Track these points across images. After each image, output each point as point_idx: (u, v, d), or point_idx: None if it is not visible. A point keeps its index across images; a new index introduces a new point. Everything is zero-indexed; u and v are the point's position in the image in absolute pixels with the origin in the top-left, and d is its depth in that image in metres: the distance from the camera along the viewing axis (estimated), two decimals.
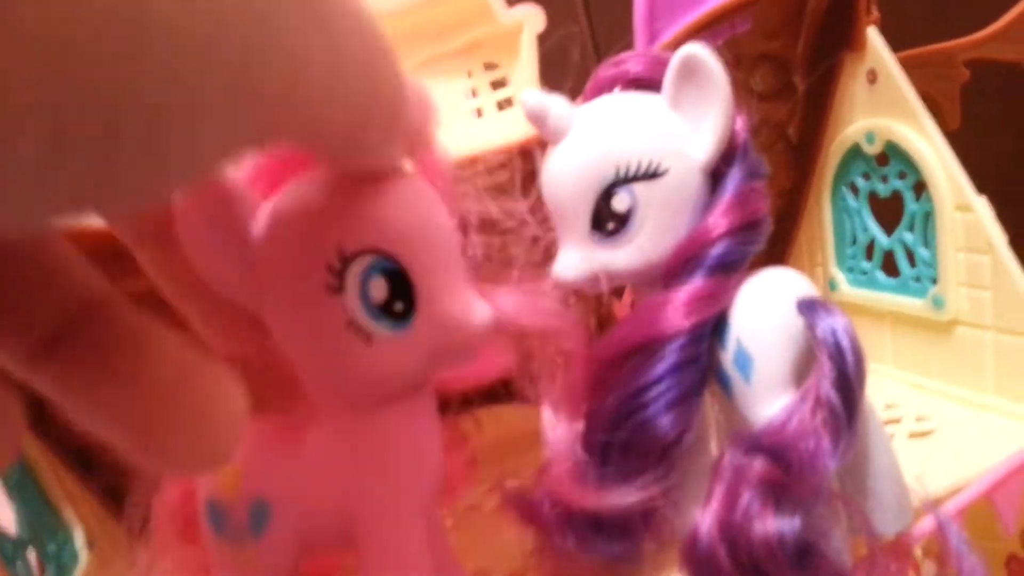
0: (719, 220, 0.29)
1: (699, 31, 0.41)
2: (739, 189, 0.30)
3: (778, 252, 0.52)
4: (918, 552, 0.33)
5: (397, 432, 0.26)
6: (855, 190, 0.46)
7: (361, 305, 0.23)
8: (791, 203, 0.50)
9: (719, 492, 0.26)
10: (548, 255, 0.33)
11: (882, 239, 0.45)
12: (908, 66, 0.42)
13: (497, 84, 0.46)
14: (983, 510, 0.36)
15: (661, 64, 0.31)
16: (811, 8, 0.44)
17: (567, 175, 0.30)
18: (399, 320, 0.24)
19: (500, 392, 0.32)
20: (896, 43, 0.43)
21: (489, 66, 0.46)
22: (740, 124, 0.31)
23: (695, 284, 0.29)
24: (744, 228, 0.29)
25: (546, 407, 0.32)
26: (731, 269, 0.29)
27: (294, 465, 0.26)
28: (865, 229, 0.46)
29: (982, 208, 0.38)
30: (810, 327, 0.27)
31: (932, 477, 0.34)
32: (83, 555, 0.40)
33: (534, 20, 0.43)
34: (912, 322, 0.44)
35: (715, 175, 0.30)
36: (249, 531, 0.26)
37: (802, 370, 0.28)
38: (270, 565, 0.27)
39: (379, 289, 0.23)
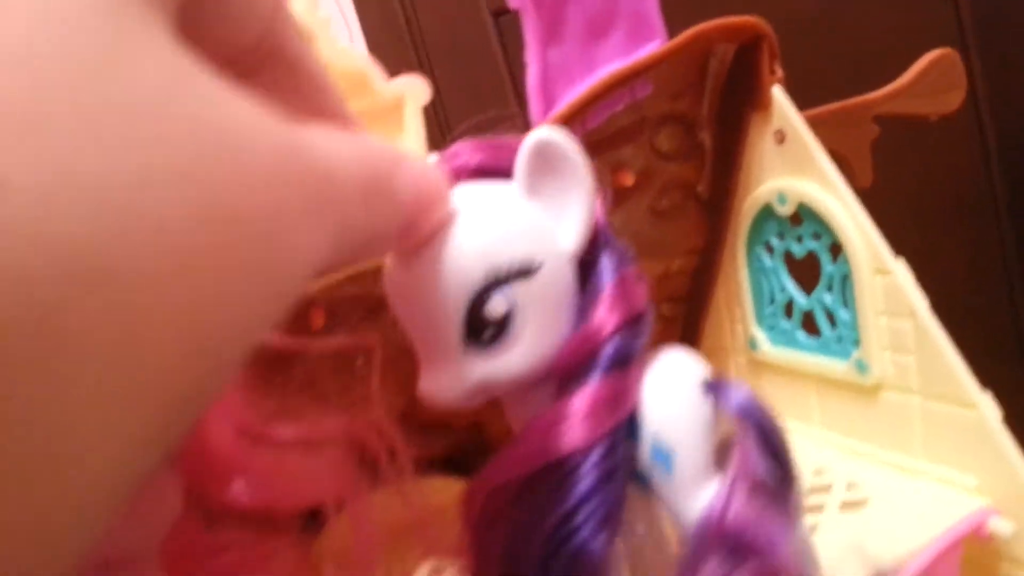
0: (606, 317, 0.27)
1: (597, 97, 0.39)
2: (616, 280, 0.28)
3: (696, 309, 0.51)
4: None
5: None
6: (770, 249, 0.45)
7: None
8: (706, 261, 0.48)
9: None
10: None
11: (800, 300, 0.44)
12: (816, 124, 0.41)
13: None
14: None
15: (503, 150, 0.28)
16: (713, 70, 0.43)
17: (426, 286, 0.27)
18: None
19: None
20: (803, 101, 0.42)
21: None
22: (599, 208, 0.28)
23: (594, 386, 0.27)
24: (632, 321, 0.27)
25: None
26: (627, 364, 0.27)
27: None
28: (783, 289, 0.45)
29: (901, 272, 0.37)
30: (725, 404, 0.26)
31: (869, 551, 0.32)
32: None
33: (418, 92, 0.40)
34: (837, 384, 0.42)
35: (581, 265, 0.28)
36: None
37: (718, 453, 0.26)
38: None
39: None
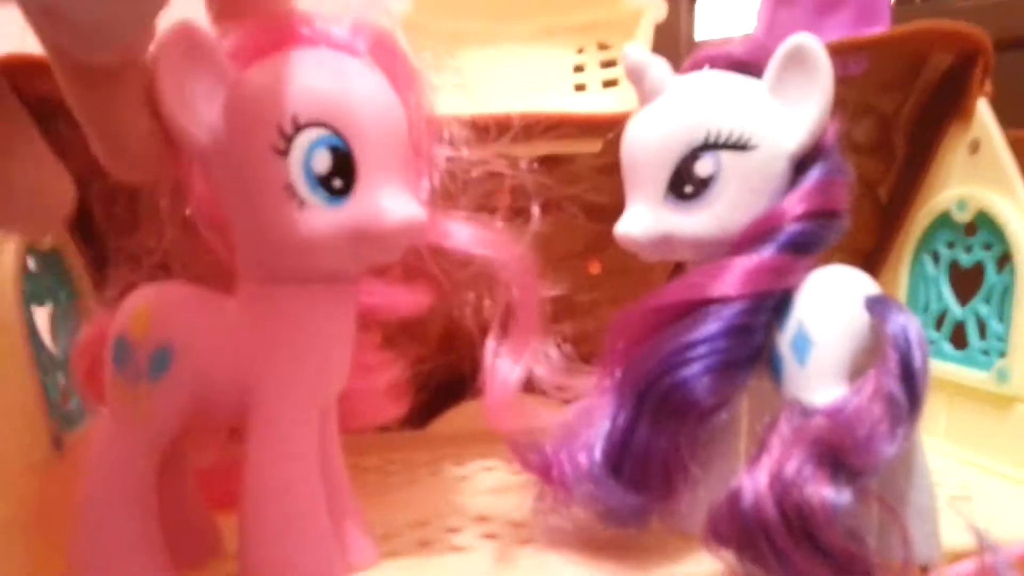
0: (797, 203, 0.30)
1: None
2: (821, 179, 0.30)
3: None
4: None
5: (307, 314, 0.28)
6: (936, 258, 0.46)
7: (302, 172, 0.25)
8: (870, 265, 0.50)
9: (774, 446, 0.26)
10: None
11: (956, 309, 0.45)
12: (1012, 146, 0.42)
13: (607, 64, 0.47)
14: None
15: (765, 50, 0.31)
16: (926, 75, 0.45)
17: (655, 131, 0.31)
18: (334, 195, 0.26)
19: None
20: (1004, 120, 0.43)
21: (602, 46, 0.47)
22: (833, 126, 0.31)
23: (763, 255, 0.29)
24: (822, 214, 0.30)
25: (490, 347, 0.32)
26: (803, 250, 0.29)
27: (204, 323, 0.28)
28: (940, 298, 0.46)
29: None
30: (880, 322, 0.27)
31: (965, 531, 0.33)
32: None
33: (655, 8, 0.44)
34: (971, 395, 0.43)
35: (799, 169, 0.31)
36: (147, 373, 0.27)
37: (858, 368, 0.28)
38: (157, 411, 0.28)
39: (322, 161, 0.25)
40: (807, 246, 0.30)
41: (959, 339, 0.45)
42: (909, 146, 0.46)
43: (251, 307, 0.28)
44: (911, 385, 0.26)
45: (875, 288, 0.29)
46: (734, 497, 0.26)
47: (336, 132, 0.26)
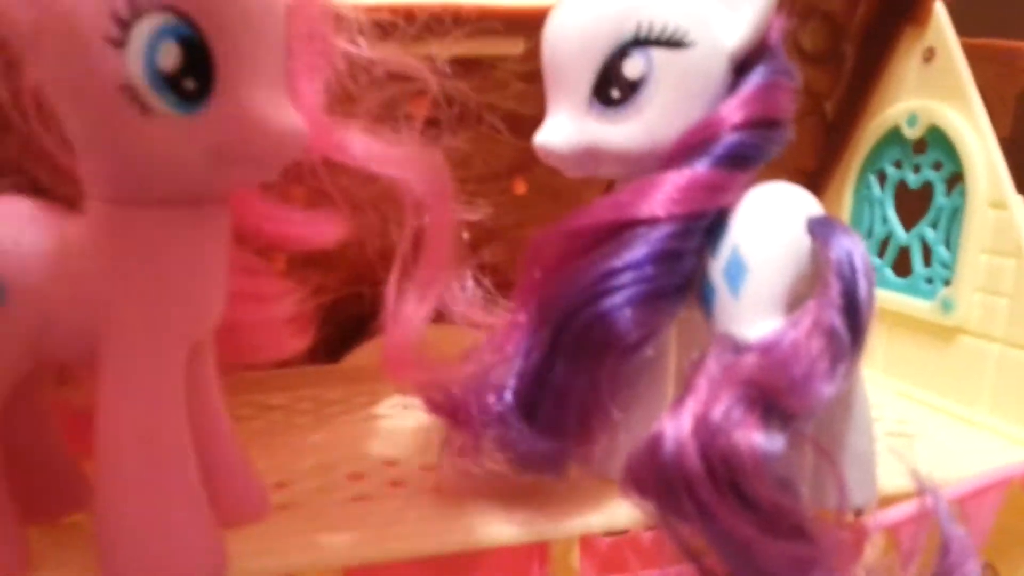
0: (736, 109, 0.26)
1: None
2: (764, 83, 0.27)
3: None
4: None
5: (164, 240, 0.23)
6: (883, 178, 0.43)
7: (144, 69, 0.20)
8: (812, 186, 0.46)
9: (700, 387, 0.23)
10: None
11: (900, 234, 0.42)
12: (969, 56, 0.39)
13: None
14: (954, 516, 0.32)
15: None
16: None
17: (577, 26, 0.27)
18: (187, 100, 0.21)
19: None
20: (958, 29, 0.40)
21: None
22: (777, 24, 0.28)
23: (697, 170, 0.26)
24: (763, 123, 0.26)
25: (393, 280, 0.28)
26: (741, 164, 0.26)
27: (43, 251, 0.24)
28: (884, 221, 0.43)
29: (1018, 207, 0.36)
30: (823, 246, 0.24)
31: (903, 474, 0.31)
32: None
33: None
34: (912, 326, 0.41)
35: (739, 71, 0.27)
36: None
37: (797, 298, 0.25)
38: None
39: (170, 56, 0.20)
40: (746, 159, 0.26)
41: (902, 266, 0.42)
42: (859, 55, 0.43)
43: (99, 230, 0.24)
44: (854, 317, 0.23)
45: (818, 208, 0.26)
46: (654, 443, 0.23)
47: (187, 18, 0.20)
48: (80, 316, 0.24)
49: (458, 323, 0.30)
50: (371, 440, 0.37)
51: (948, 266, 0.39)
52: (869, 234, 0.44)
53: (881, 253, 0.44)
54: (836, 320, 0.23)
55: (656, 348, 0.28)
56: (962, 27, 0.40)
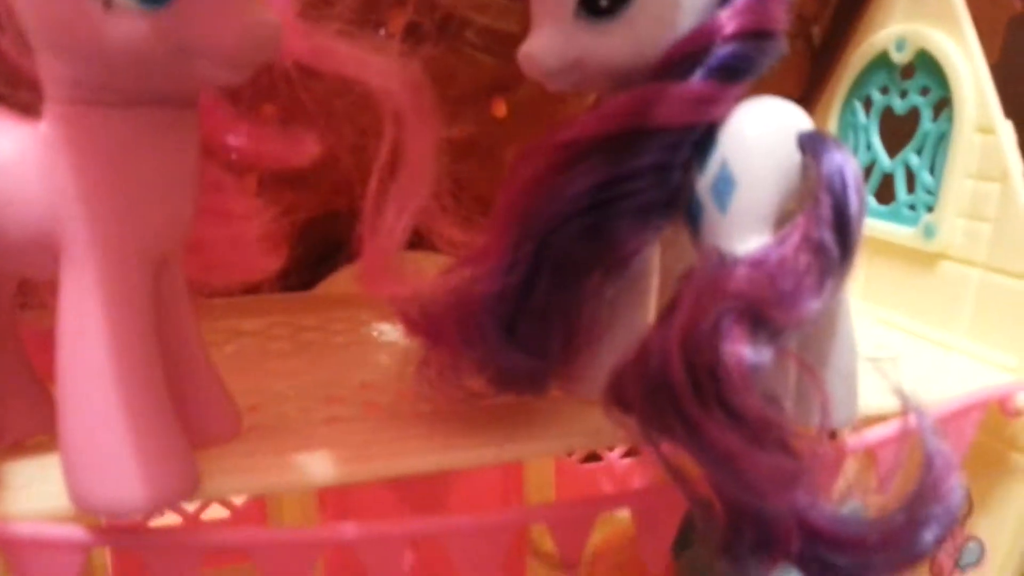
0: (729, 20, 0.25)
1: None
2: None
3: None
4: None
5: (126, 144, 0.22)
6: (868, 105, 0.42)
7: None
8: None
9: (687, 299, 0.22)
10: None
11: (884, 160, 0.42)
12: None
13: None
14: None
15: None
16: None
17: None
18: None
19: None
20: None
21: None
22: None
23: (689, 82, 0.25)
24: (756, 34, 0.25)
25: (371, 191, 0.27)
26: (733, 76, 0.25)
27: None
28: (868, 148, 0.43)
29: (1006, 132, 0.35)
30: (814, 160, 0.23)
31: (881, 395, 0.31)
32: None
33: None
34: (893, 252, 0.40)
35: None
36: None
37: (786, 214, 0.24)
38: None
39: None
40: (738, 72, 0.25)
41: (885, 194, 0.42)
42: None
43: (59, 134, 0.22)
44: (844, 233, 0.22)
45: (809, 123, 0.25)
46: (639, 355, 0.23)
47: None
48: (41, 226, 0.23)
49: (436, 243, 0.30)
50: (347, 365, 0.36)
51: (932, 192, 0.39)
52: None
53: (864, 180, 0.43)
54: (825, 235, 0.22)
55: (641, 265, 0.27)
56: None
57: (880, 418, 0.30)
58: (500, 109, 0.41)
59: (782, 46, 0.26)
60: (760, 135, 0.24)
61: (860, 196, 0.23)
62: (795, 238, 0.22)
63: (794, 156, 0.24)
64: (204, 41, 0.20)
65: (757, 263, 0.22)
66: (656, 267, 0.29)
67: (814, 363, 0.26)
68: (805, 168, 0.24)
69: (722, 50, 0.25)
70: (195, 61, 0.21)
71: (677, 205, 0.26)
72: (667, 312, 0.23)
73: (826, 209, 0.22)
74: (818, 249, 0.22)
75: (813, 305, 0.22)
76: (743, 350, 0.21)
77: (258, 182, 0.36)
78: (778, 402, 0.22)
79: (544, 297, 0.26)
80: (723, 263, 0.23)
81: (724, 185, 0.24)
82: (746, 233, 0.24)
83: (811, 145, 0.24)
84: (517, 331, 0.26)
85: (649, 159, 0.25)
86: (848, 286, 0.25)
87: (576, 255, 0.25)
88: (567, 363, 0.27)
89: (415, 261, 0.31)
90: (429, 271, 0.30)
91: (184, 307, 0.26)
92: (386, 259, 0.27)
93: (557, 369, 0.27)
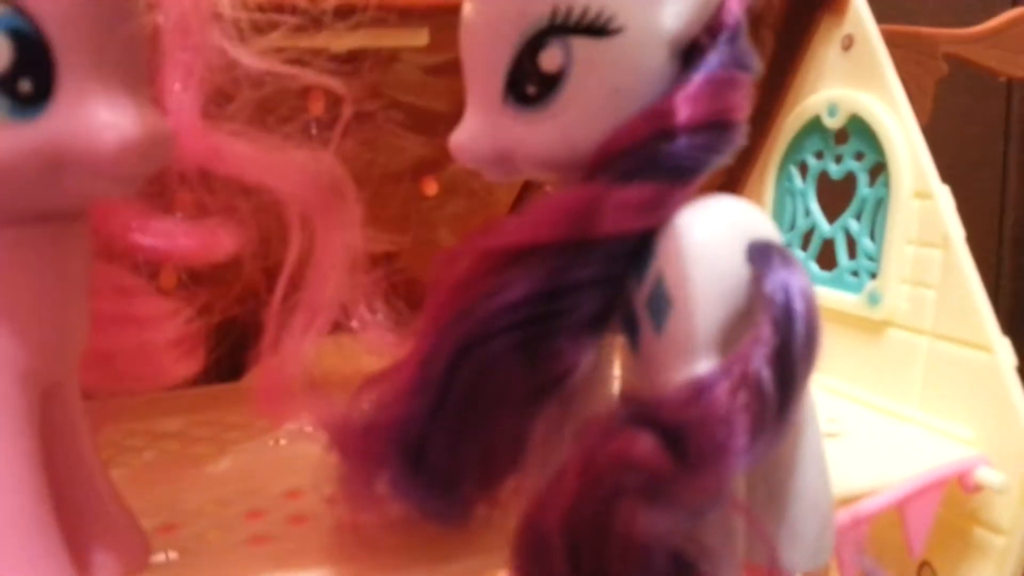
0: (681, 106, 0.21)
1: None
2: (716, 74, 0.22)
3: None
4: None
5: (5, 267, 0.20)
6: (804, 170, 0.42)
7: None
8: (730, 179, 0.45)
9: (577, 463, 0.19)
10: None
11: (824, 226, 0.41)
12: (888, 43, 0.38)
13: None
14: (892, 522, 0.31)
15: None
16: None
17: (486, 13, 0.23)
18: (23, 104, 0.18)
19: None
20: (877, 16, 0.39)
21: None
22: (736, 1, 0.23)
23: (629, 184, 0.22)
24: (712, 126, 0.22)
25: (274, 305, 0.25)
26: (683, 176, 0.22)
27: None
28: (807, 214, 0.42)
29: (943, 197, 0.35)
30: (757, 277, 0.20)
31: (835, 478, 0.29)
32: None
33: None
34: (840, 320, 0.39)
35: (687, 58, 0.22)
36: None
37: (734, 337, 0.21)
38: None
39: (1, 53, 0.18)
40: (689, 170, 0.22)
41: (827, 259, 0.41)
42: (778, 43, 0.41)
43: None
44: (786, 371, 0.19)
45: (768, 229, 0.22)
46: (524, 521, 0.20)
47: (20, 10, 0.17)
48: None
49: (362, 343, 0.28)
50: (272, 468, 0.33)
51: (874, 258, 0.38)
52: (792, 227, 0.43)
53: (805, 246, 0.42)
54: (763, 372, 0.19)
55: (577, 381, 0.23)
56: (882, 13, 0.39)
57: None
58: (431, 187, 0.39)
59: (739, 137, 0.23)
60: (701, 245, 0.21)
61: (810, 327, 0.20)
62: (728, 375, 0.19)
63: (741, 272, 0.21)
64: (81, 154, 0.18)
65: (679, 405, 0.19)
66: (606, 376, 0.26)
67: (777, 495, 0.23)
68: (755, 284, 0.20)
69: (672, 146, 0.21)
70: (72, 175, 0.19)
71: (607, 321, 0.23)
72: (557, 476, 0.20)
73: (765, 339, 0.19)
74: (754, 391, 0.19)
75: (738, 465, 0.19)
76: (641, 526, 0.18)
77: (177, 279, 0.34)
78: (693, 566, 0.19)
79: (453, 425, 0.23)
80: (632, 418, 0.20)
81: (659, 303, 0.22)
82: (681, 361, 0.21)
83: (758, 258, 0.21)
84: (426, 462, 0.23)
85: (589, 271, 0.22)
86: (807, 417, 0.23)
87: (499, 374, 0.22)
88: (487, 489, 0.25)
89: (341, 347, 0.29)
90: (355, 358, 0.28)
91: (80, 432, 0.24)
92: (284, 380, 0.25)
93: (478, 495, 0.25)
